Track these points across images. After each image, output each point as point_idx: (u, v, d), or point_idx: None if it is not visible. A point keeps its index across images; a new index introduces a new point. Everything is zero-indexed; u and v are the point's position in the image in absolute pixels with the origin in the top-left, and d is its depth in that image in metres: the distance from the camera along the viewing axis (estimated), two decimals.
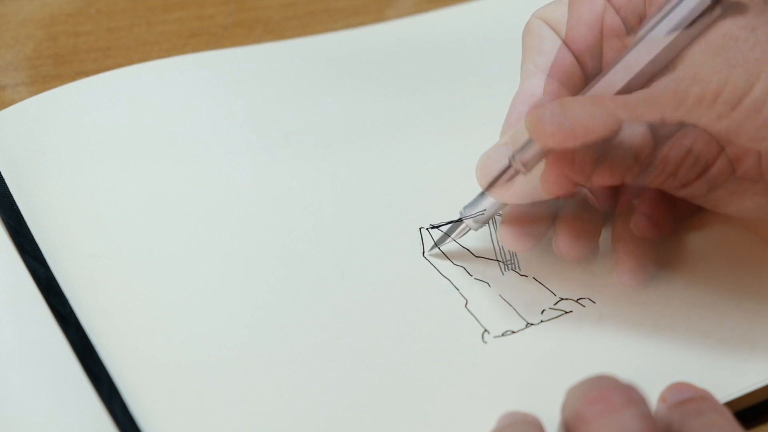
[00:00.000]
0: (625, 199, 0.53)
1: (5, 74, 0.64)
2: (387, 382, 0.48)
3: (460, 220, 0.52)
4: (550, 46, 0.51)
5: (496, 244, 0.54)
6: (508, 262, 0.53)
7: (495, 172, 0.50)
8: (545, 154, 0.48)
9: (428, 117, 0.60)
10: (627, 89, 0.48)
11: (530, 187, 0.49)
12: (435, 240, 0.54)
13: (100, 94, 0.60)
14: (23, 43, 0.66)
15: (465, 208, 0.52)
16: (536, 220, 0.51)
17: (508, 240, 0.51)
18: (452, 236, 0.53)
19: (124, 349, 0.49)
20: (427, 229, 0.54)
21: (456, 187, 0.56)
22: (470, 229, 0.53)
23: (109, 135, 0.58)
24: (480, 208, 0.52)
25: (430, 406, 0.47)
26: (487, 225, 0.54)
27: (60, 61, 0.65)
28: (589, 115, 0.46)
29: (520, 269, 0.53)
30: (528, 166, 0.48)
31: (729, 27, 0.47)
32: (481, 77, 0.57)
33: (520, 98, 0.51)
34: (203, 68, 0.62)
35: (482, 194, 0.51)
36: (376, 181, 0.57)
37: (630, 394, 0.43)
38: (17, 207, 0.54)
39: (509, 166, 0.49)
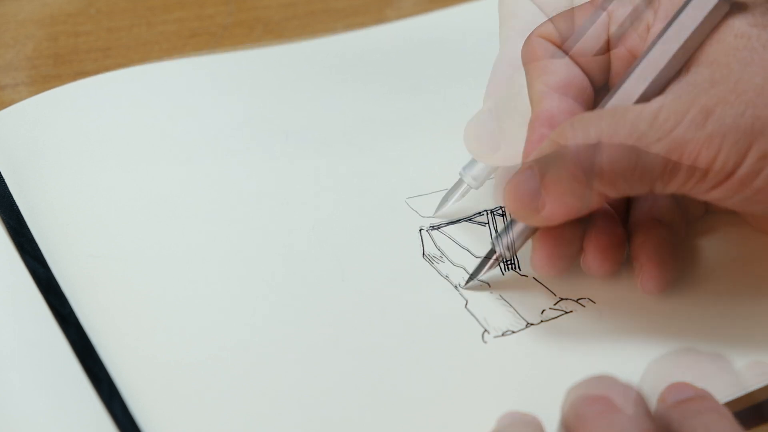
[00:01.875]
0: (643, 207, 0.52)
1: (5, 74, 0.64)
2: (387, 382, 0.48)
3: (460, 181, 0.54)
4: (558, 65, 0.50)
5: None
6: (508, 262, 0.53)
7: (523, 195, 0.48)
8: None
9: (428, 117, 0.60)
10: (644, 98, 0.47)
11: (559, 206, 0.48)
12: (440, 202, 0.54)
13: (100, 95, 0.60)
14: (23, 43, 0.66)
15: (464, 168, 0.53)
16: (568, 241, 0.50)
17: (541, 265, 0.50)
18: (454, 198, 0.54)
19: (124, 349, 0.49)
20: (426, 230, 0.54)
21: None
22: (471, 188, 0.53)
23: (109, 135, 0.58)
24: (476, 168, 0.53)
25: (430, 407, 0.47)
26: (488, 224, 0.54)
27: (60, 61, 0.65)
28: (612, 128, 0.45)
29: (520, 269, 0.53)
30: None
31: (739, 26, 0.46)
32: (481, 77, 0.57)
33: (537, 121, 0.49)
34: (204, 69, 0.62)
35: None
36: (377, 182, 0.57)
37: (630, 394, 0.43)
38: (17, 207, 0.54)
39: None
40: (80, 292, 0.51)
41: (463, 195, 0.54)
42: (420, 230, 0.54)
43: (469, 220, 0.55)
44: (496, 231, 0.54)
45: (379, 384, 0.48)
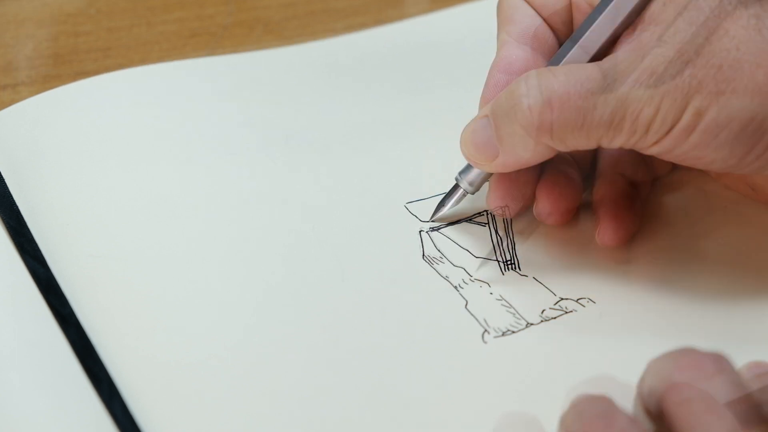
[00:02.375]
0: (606, 161, 0.54)
1: (5, 74, 0.64)
2: (387, 383, 0.48)
3: (456, 186, 0.54)
4: (522, 15, 0.53)
5: (496, 244, 0.54)
6: (508, 262, 0.53)
7: (478, 143, 0.51)
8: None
9: (428, 118, 0.60)
10: (598, 56, 0.50)
11: (511, 156, 0.50)
12: (434, 209, 0.55)
13: (100, 95, 0.60)
14: (23, 43, 0.66)
15: (460, 173, 0.54)
16: (522, 184, 0.53)
17: (495, 206, 0.53)
18: (450, 203, 0.55)
19: (124, 349, 0.49)
20: (426, 231, 0.54)
21: None
22: (467, 193, 0.54)
23: (109, 135, 0.58)
24: (473, 174, 0.53)
25: (430, 407, 0.47)
26: (488, 227, 0.54)
27: (60, 61, 0.65)
28: (564, 86, 0.48)
29: (520, 269, 0.53)
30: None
31: None
32: (482, 79, 0.57)
33: (495, 67, 0.52)
34: (204, 70, 0.62)
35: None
36: (377, 183, 0.57)
37: (721, 363, 0.43)
38: (17, 207, 0.54)
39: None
40: (80, 292, 0.51)
41: (459, 200, 0.54)
42: (420, 231, 0.54)
43: (469, 220, 0.55)
44: (496, 231, 0.54)
45: (379, 384, 0.48)
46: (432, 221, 0.55)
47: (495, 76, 0.52)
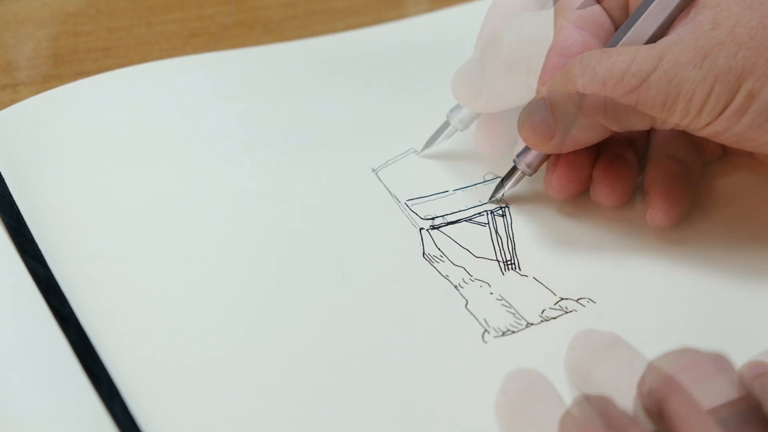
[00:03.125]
0: (659, 143, 0.55)
1: (5, 74, 0.64)
2: (387, 383, 0.48)
3: (514, 168, 0.55)
4: (579, 0, 0.53)
5: (496, 244, 0.54)
6: (508, 262, 0.53)
7: (534, 124, 0.52)
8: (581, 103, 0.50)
9: (428, 117, 0.60)
10: (653, 38, 0.51)
11: (567, 136, 0.51)
12: (426, 142, 0.57)
13: (100, 95, 0.60)
14: (23, 43, 0.66)
15: (517, 155, 0.54)
16: (580, 167, 0.54)
17: (553, 187, 0.54)
18: (440, 138, 0.57)
19: (124, 349, 0.49)
20: (426, 230, 0.54)
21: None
22: (457, 130, 0.56)
23: (109, 135, 0.58)
24: (531, 155, 0.54)
25: (431, 407, 0.47)
26: (488, 227, 0.54)
27: (60, 61, 0.65)
28: (619, 66, 0.49)
29: (520, 269, 0.53)
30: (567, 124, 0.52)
31: None
32: None
33: (553, 51, 0.53)
34: (204, 69, 0.62)
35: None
36: (377, 182, 0.57)
37: (721, 363, 0.44)
38: (17, 207, 0.54)
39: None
40: (80, 292, 0.51)
41: (448, 136, 0.57)
42: (420, 230, 0.54)
43: (469, 220, 0.55)
44: (496, 231, 0.54)
45: (379, 384, 0.48)
46: (420, 155, 0.57)
47: (552, 59, 0.53)
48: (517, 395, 0.46)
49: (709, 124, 0.49)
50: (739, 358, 0.48)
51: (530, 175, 0.54)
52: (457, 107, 0.56)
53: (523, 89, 0.52)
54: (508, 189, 0.55)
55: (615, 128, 0.51)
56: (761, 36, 0.48)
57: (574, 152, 0.53)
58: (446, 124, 0.57)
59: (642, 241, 0.54)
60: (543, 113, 0.51)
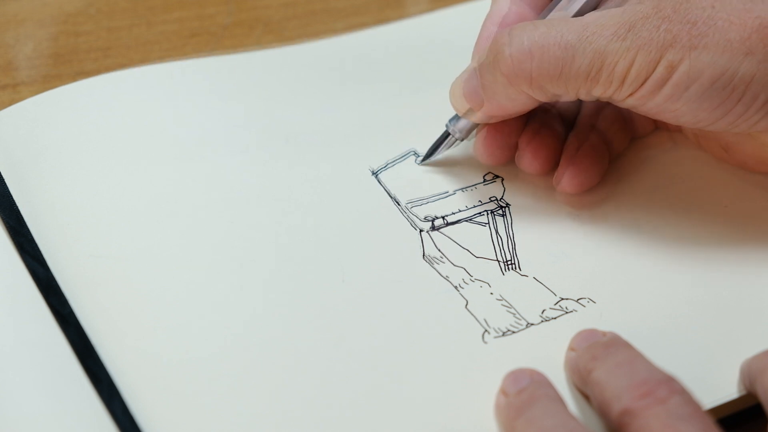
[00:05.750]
0: (586, 114, 0.57)
1: (5, 74, 0.64)
2: (387, 383, 0.48)
3: (446, 133, 0.56)
4: None
5: (496, 244, 0.54)
6: (508, 262, 0.53)
7: (465, 92, 0.54)
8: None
9: (428, 118, 0.60)
10: (582, 13, 0.52)
11: (495, 105, 0.53)
12: (425, 154, 0.57)
13: (100, 95, 0.60)
14: (23, 43, 0.66)
15: (449, 121, 0.56)
16: (508, 134, 0.55)
17: (481, 153, 0.56)
18: (441, 147, 0.57)
19: (124, 349, 0.49)
20: (427, 231, 0.54)
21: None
22: (457, 140, 0.56)
23: (109, 135, 0.58)
24: (462, 122, 0.55)
25: (431, 407, 0.47)
26: (488, 227, 0.54)
27: (60, 61, 0.65)
28: (545, 37, 0.50)
29: (520, 269, 0.53)
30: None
31: None
32: None
33: (489, 20, 0.55)
34: (204, 70, 0.62)
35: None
36: (377, 183, 0.57)
37: (672, 385, 0.44)
38: (17, 207, 0.54)
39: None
40: (80, 292, 0.51)
41: (449, 146, 0.57)
42: (420, 231, 0.54)
43: (469, 220, 0.55)
44: (496, 231, 0.54)
45: (379, 384, 0.48)
46: (421, 165, 0.57)
47: (488, 28, 0.54)
48: (517, 395, 0.46)
49: (630, 95, 0.50)
50: (739, 358, 0.48)
51: (461, 140, 0.56)
52: (457, 117, 0.56)
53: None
54: (439, 153, 0.57)
55: (541, 98, 0.52)
56: (684, 10, 0.49)
57: (502, 121, 0.55)
58: (446, 134, 0.57)
59: (642, 241, 0.54)
60: (474, 82, 0.53)
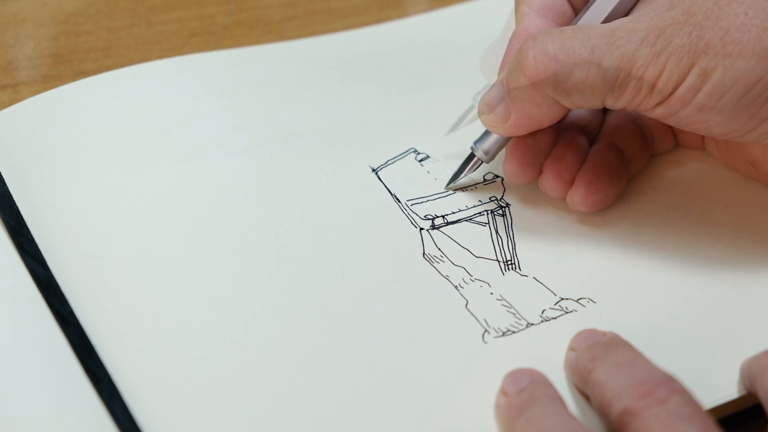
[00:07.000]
0: (606, 132, 0.56)
1: (5, 74, 0.64)
2: (387, 383, 0.48)
3: (471, 155, 0.55)
4: None
5: (496, 244, 0.54)
6: (508, 262, 0.53)
7: (492, 104, 0.52)
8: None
9: (428, 116, 0.60)
10: (609, 20, 0.51)
11: (522, 113, 0.51)
12: (450, 177, 0.56)
13: (100, 94, 0.60)
14: (23, 43, 0.66)
15: (475, 143, 0.55)
16: (537, 152, 0.54)
17: (511, 171, 0.54)
18: (466, 170, 0.56)
19: (124, 349, 0.49)
20: (427, 230, 0.54)
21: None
22: (482, 162, 0.55)
23: (109, 135, 0.58)
24: (488, 143, 0.54)
25: (431, 407, 0.47)
26: (488, 227, 0.54)
27: (60, 61, 0.65)
28: (570, 41, 0.49)
29: (520, 269, 0.53)
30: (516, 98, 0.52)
31: None
32: (481, 77, 0.57)
33: (515, 38, 0.53)
34: (204, 68, 0.62)
35: (487, 132, 0.55)
36: (377, 182, 0.57)
37: (672, 385, 0.44)
38: (17, 207, 0.54)
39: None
40: (80, 292, 0.51)
41: (473, 168, 0.56)
42: (420, 230, 0.54)
43: (470, 220, 0.55)
44: (496, 231, 0.54)
45: (379, 384, 0.48)
46: (447, 189, 0.56)
47: (515, 46, 0.53)
48: (517, 395, 0.46)
49: (660, 103, 0.48)
50: (739, 358, 0.48)
51: (487, 162, 0.55)
52: (481, 139, 0.55)
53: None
54: (464, 176, 0.56)
55: (566, 104, 0.50)
56: (716, 16, 0.47)
57: (530, 137, 0.53)
58: (471, 157, 0.56)
59: (642, 241, 0.54)
60: (501, 94, 0.52)
